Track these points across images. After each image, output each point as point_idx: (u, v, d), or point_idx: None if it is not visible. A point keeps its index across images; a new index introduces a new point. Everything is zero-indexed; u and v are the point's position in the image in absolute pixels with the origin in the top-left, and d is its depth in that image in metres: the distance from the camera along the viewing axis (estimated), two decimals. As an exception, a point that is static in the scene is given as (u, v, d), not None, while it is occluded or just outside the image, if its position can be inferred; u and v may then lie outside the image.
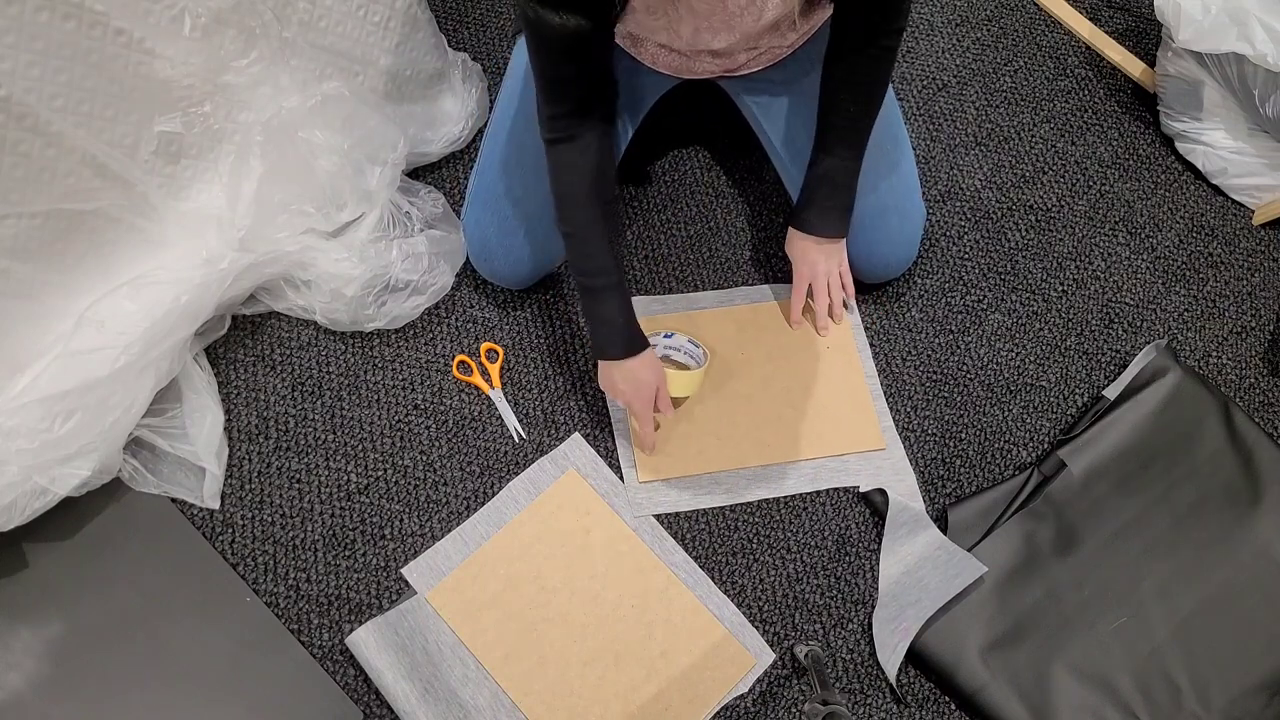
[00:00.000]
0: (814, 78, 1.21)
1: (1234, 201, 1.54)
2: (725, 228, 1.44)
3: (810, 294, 1.32)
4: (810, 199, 1.24)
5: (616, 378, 1.18)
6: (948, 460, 1.30)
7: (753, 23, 1.03)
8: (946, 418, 1.33)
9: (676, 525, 1.23)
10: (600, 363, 1.19)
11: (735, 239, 1.43)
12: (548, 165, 1.10)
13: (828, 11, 1.13)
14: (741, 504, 1.25)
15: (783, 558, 1.23)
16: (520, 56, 1.27)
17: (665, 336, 1.29)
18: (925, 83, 1.61)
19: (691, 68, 1.20)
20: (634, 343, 1.16)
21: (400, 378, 1.29)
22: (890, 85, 1.34)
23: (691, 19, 1.02)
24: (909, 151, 1.31)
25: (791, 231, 1.29)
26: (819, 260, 1.28)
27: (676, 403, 1.26)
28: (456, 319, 1.34)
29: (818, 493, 1.26)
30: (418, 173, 1.41)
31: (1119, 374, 1.35)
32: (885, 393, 1.34)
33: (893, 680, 1.14)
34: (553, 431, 1.28)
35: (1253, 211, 1.53)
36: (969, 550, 1.19)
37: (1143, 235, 1.50)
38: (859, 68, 1.13)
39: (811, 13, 1.10)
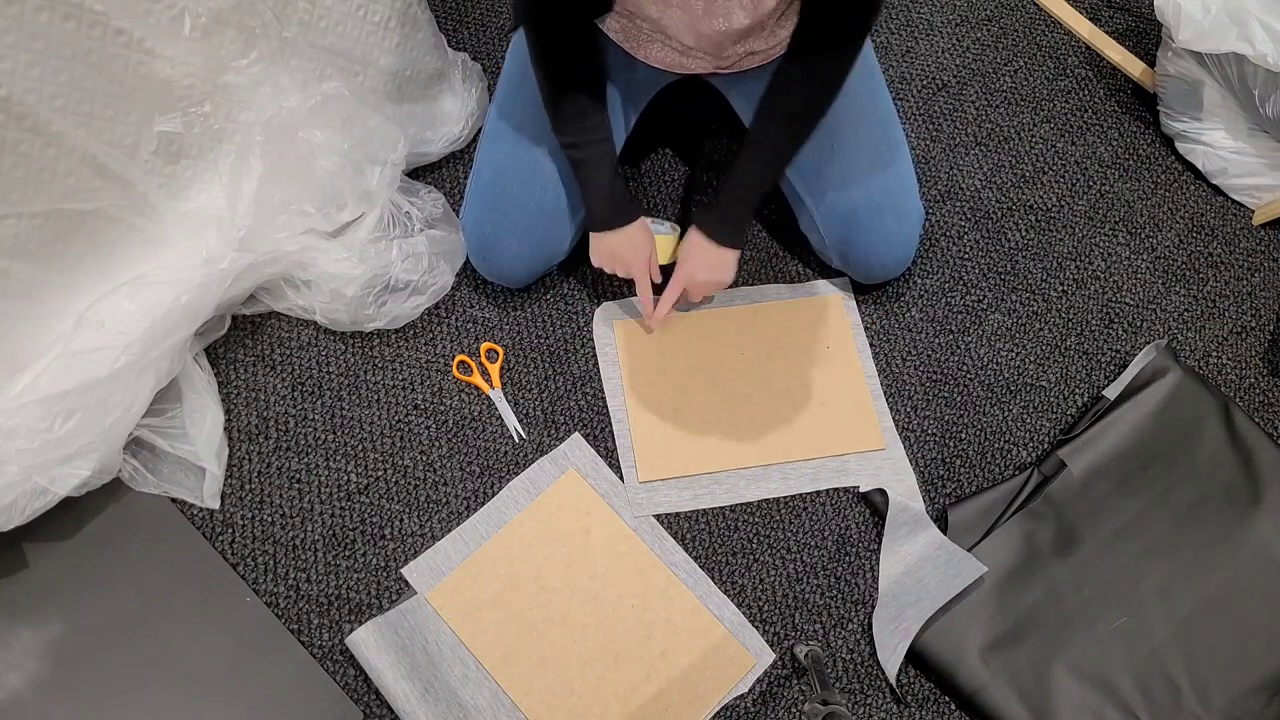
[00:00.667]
0: None
1: (1234, 201, 1.54)
2: (725, 228, 1.44)
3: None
4: (713, 206, 1.22)
5: (616, 244, 1.22)
6: (948, 460, 1.30)
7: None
8: (946, 418, 1.33)
9: (676, 525, 1.23)
10: (594, 236, 1.23)
11: (735, 239, 1.43)
12: (529, 47, 1.11)
13: None
14: (741, 504, 1.25)
15: (783, 558, 1.23)
16: (516, 54, 1.27)
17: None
18: (925, 83, 1.61)
19: (685, 64, 1.21)
20: (633, 209, 1.21)
21: (400, 378, 1.29)
22: (887, 85, 1.34)
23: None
24: (905, 151, 1.31)
25: (691, 229, 1.25)
26: (699, 272, 1.24)
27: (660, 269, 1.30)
28: (456, 319, 1.34)
29: (818, 493, 1.26)
30: (418, 173, 1.41)
31: (1119, 374, 1.35)
32: (885, 393, 1.34)
33: (893, 680, 1.14)
34: (553, 431, 1.28)
35: (1253, 211, 1.53)
36: (969, 550, 1.19)
37: (1143, 235, 1.50)
38: (799, 96, 1.11)
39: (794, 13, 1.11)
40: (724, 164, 1.49)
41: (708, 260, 1.23)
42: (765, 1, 1.04)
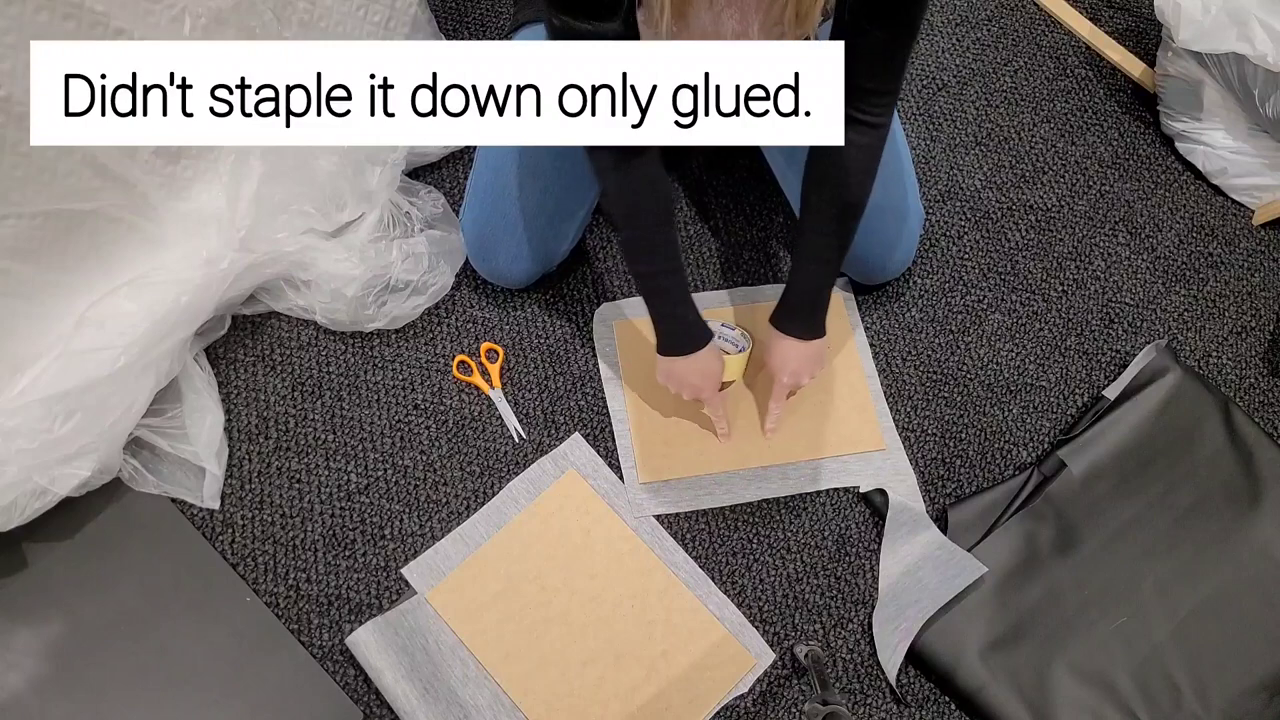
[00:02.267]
0: None
1: (1234, 201, 1.54)
2: (725, 228, 1.44)
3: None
4: (792, 305, 1.20)
5: (687, 371, 1.17)
6: (948, 460, 1.30)
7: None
8: (946, 418, 1.33)
9: (676, 525, 1.23)
10: (664, 359, 1.18)
11: (735, 239, 1.43)
12: (596, 173, 1.09)
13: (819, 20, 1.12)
14: (741, 504, 1.25)
15: (783, 558, 1.23)
16: None
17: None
18: (925, 83, 1.61)
19: None
20: (704, 334, 1.16)
21: (400, 378, 1.29)
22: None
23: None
24: (905, 152, 1.31)
25: (775, 334, 1.22)
26: (803, 371, 1.22)
27: (724, 386, 1.26)
28: (456, 319, 1.34)
29: (818, 493, 1.26)
30: (418, 173, 1.41)
31: (1119, 374, 1.35)
32: (885, 393, 1.34)
33: (893, 680, 1.14)
34: (553, 431, 1.28)
35: (1253, 211, 1.53)
36: (969, 550, 1.19)
37: (1143, 235, 1.50)
38: (839, 162, 1.08)
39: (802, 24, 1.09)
40: (727, 166, 1.49)
41: (804, 356, 1.21)
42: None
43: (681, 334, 1.16)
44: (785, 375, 1.22)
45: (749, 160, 1.49)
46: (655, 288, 1.13)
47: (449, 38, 1.51)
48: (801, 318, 1.19)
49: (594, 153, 1.07)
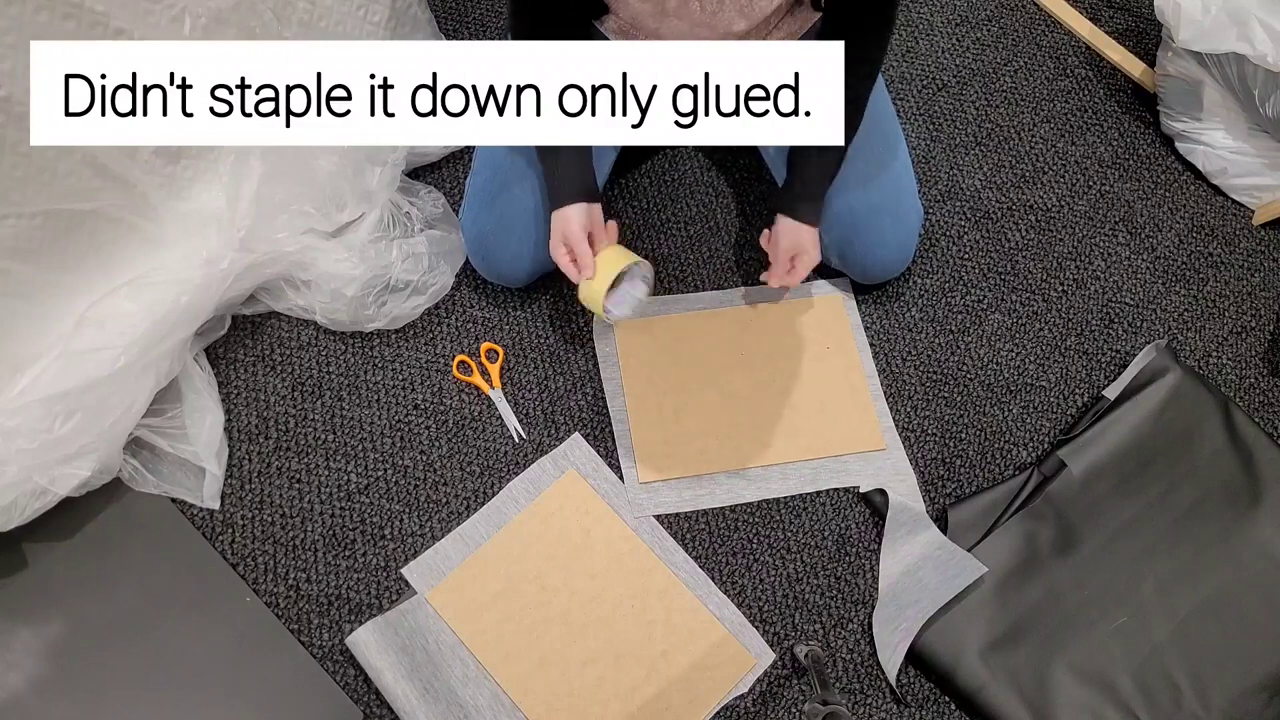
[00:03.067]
0: None
1: (1234, 201, 1.54)
2: (725, 228, 1.44)
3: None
4: (804, 190, 1.23)
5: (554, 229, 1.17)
6: (948, 460, 1.30)
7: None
8: (946, 418, 1.33)
9: (676, 525, 1.23)
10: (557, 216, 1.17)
11: (735, 239, 1.43)
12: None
13: (811, 19, 1.13)
14: (741, 504, 1.25)
15: (783, 558, 1.23)
16: None
17: (628, 280, 1.22)
18: (925, 83, 1.61)
19: None
20: (562, 198, 1.15)
21: (400, 378, 1.29)
22: (887, 85, 1.34)
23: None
24: (904, 152, 1.31)
25: (785, 221, 1.24)
26: (810, 248, 1.25)
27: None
28: (456, 319, 1.34)
29: (818, 493, 1.26)
30: (418, 173, 1.41)
31: (1119, 374, 1.35)
32: (885, 393, 1.34)
33: (893, 680, 1.14)
34: (553, 431, 1.28)
35: (1253, 211, 1.53)
36: (969, 550, 1.19)
37: (1143, 235, 1.50)
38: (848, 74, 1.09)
39: (794, 18, 1.11)
40: (727, 166, 1.49)
41: (812, 239, 1.23)
42: (759, 6, 1.05)
43: (555, 187, 1.16)
44: (797, 254, 1.23)
45: (749, 160, 1.49)
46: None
47: (449, 38, 1.52)
48: (811, 201, 1.22)
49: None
